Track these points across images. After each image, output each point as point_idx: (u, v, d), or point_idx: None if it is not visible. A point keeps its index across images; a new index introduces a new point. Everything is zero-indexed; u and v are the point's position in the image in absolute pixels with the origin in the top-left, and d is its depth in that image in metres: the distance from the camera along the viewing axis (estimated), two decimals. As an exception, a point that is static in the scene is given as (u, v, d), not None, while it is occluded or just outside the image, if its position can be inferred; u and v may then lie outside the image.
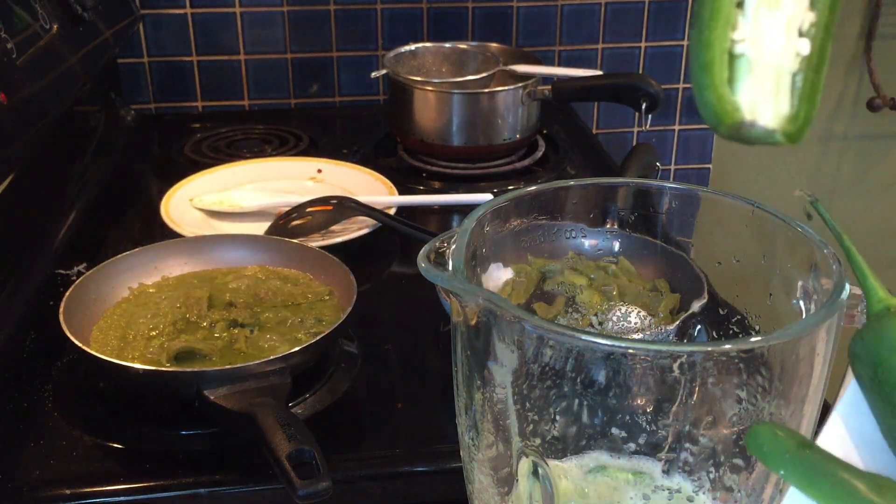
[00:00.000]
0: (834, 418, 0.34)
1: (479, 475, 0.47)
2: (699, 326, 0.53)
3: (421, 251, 0.44)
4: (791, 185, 1.70)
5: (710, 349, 0.41)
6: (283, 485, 0.61)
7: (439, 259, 0.44)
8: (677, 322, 0.55)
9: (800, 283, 0.45)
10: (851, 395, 0.35)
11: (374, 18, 1.44)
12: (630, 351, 0.40)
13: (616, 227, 0.53)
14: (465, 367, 0.45)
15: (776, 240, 0.47)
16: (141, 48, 1.41)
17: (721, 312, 0.52)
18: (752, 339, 0.44)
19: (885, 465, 0.32)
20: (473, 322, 0.42)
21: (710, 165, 1.66)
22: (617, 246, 0.54)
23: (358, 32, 1.45)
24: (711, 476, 0.43)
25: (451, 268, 0.43)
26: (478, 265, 0.49)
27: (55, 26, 0.98)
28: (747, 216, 0.48)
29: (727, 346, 0.41)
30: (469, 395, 0.45)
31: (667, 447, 0.43)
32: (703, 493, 0.44)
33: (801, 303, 0.45)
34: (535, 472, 0.44)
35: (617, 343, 0.39)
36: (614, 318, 0.55)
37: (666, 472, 0.44)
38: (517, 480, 0.45)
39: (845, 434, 0.34)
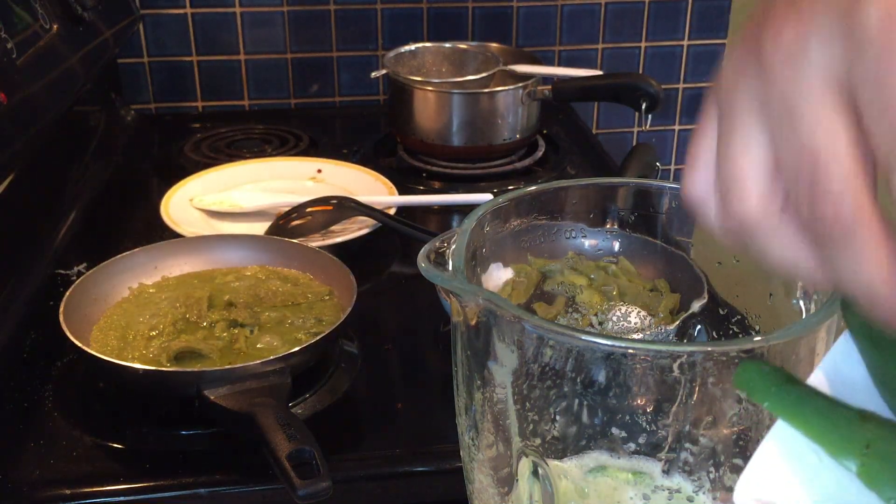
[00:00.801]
0: (824, 365, 0.34)
1: (479, 475, 0.47)
2: (699, 326, 0.53)
3: (421, 251, 0.44)
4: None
5: (710, 349, 0.41)
6: (283, 485, 0.61)
7: (439, 259, 0.44)
8: (677, 322, 0.55)
9: (800, 283, 0.45)
10: (842, 343, 0.35)
11: (374, 18, 1.44)
12: (630, 351, 0.40)
13: (616, 227, 0.53)
14: (465, 367, 0.45)
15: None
16: (141, 48, 1.41)
17: (721, 312, 0.52)
18: (753, 339, 0.44)
19: (874, 409, 0.32)
20: (473, 322, 0.42)
21: (710, 165, 1.65)
22: (617, 246, 0.54)
23: (358, 32, 1.45)
24: (711, 476, 0.43)
25: (451, 268, 0.43)
26: (478, 265, 0.49)
27: (55, 26, 0.98)
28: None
29: (727, 347, 0.41)
30: (469, 395, 0.45)
31: (667, 447, 0.43)
32: (703, 493, 0.44)
33: (801, 303, 0.45)
34: (535, 472, 0.44)
35: (617, 343, 0.39)
36: (614, 318, 0.55)
37: (666, 472, 0.44)
38: (517, 480, 0.45)
39: (836, 379, 0.34)
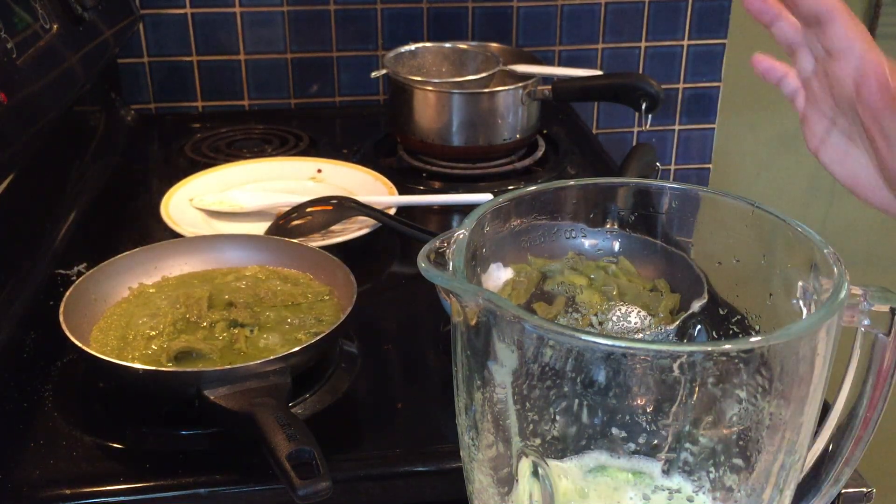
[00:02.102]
0: None
1: (478, 475, 0.47)
2: (699, 326, 0.53)
3: (421, 251, 0.44)
4: (791, 185, 1.70)
5: (710, 349, 0.41)
6: (282, 485, 0.61)
7: (439, 259, 0.44)
8: (677, 322, 0.55)
9: (800, 284, 0.45)
10: None
11: (374, 18, 1.44)
12: (630, 351, 0.40)
13: (616, 227, 0.53)
14: (465, 367, 0.45)
15: (776, 240, 0.47)
16: (141, 48, 1.41)
17: (721, 312, 0.52)
18: (752, 340, 0.44)
19: None
20: (473, 322, 0.42)
21: (710, 165, 1.66)
22: (617, 246, 0.54)
23: (358, 32, 1.45)
24: (711, 476, 0.43)
25: (451, 268, 0.43)
26: (478, 265, 0.49)
27: (55, 26, 0.98)
28: (747, 216, 0.48)
29: (727, 346, 0.41)
30: (469, 395, 0.45)
31: (667, 447, 0.43)
32: (703, 493, 0.44)
33: (801, 303, 0.45)
34: (535, 473, 0.44)
35: (617, 343, 0.39)
36: (614, 318, 0.55)
37: (666, 472, 0.44)
38: (517, 480, 0.45)
39: None
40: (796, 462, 0.44)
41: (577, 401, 0.43)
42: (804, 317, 0.45)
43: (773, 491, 0.44)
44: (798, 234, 0.45)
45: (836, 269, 0.42)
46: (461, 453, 0.48)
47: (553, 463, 0.44)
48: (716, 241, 0.52)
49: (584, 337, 0.40)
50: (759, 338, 0.44)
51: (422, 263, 0.43)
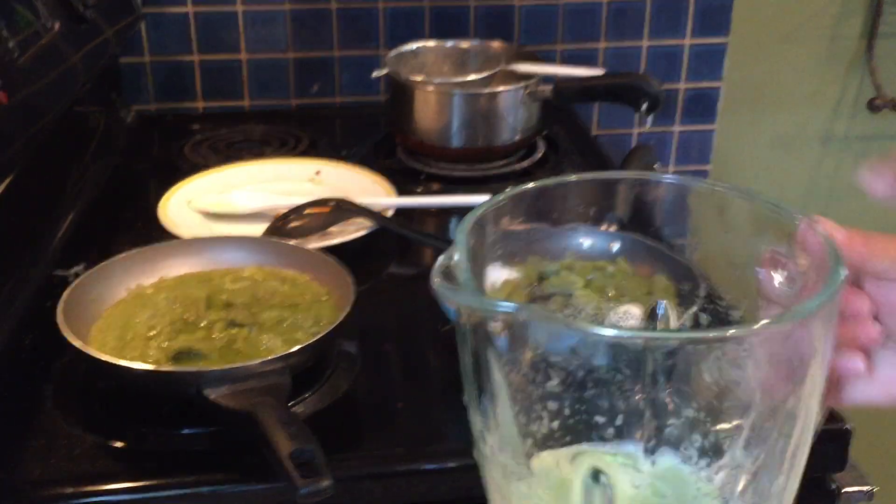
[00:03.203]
0: None
1: (494, 475, 0.46)
2: (700, 323, 0.53)
3: (434, 267, 0.42)
4: (791, 186, 1.70)
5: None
6: (283, 483, 0.61)
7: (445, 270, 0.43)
8: (680, 322, 0.54)
9: (799, 273, 0.46)
10: None
11: (376, 17, 1.44)
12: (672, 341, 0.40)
13: (615, 226, 0.53)
14: (474, 367, 0.44)
15: (776, 232, 0.47)
16: (142, 47, 1.41)
17: (721, 308, 0.52)
18: (754, 326, 0.44)
19: None
20: (489, 327, 0.42)
21: (709, 167, 1.66)
22: (616, 246, 0.54)
23: (359, 31, 1.44)
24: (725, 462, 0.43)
25: (460, 281, 0.42)
26: (477, 266, 0.48)
27: (56, 25, 0.98)
28: (745, 209, 0.48)
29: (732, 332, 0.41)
30: (480, 396, 0.45)
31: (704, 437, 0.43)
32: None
33: (800, 291, 0.46)
34: (594, 478, 0.43)
35: (644, 334, 0.39)
36: (613, 319, 0.55)
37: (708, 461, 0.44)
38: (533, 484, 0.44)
39: None
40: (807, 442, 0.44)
41: (622, 399, 0.43)
42: (803, 303, 0.45)
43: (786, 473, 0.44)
44: (797, 225, 0.46)
45: (831, 255, 0.43)
46: (475, 455, 0.48)
47: (615, 466, 0.44)
48: (714, 235, 0.52)
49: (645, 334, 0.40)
50: (764, 322, 0.44)
51: (435, 279, 0.42)
